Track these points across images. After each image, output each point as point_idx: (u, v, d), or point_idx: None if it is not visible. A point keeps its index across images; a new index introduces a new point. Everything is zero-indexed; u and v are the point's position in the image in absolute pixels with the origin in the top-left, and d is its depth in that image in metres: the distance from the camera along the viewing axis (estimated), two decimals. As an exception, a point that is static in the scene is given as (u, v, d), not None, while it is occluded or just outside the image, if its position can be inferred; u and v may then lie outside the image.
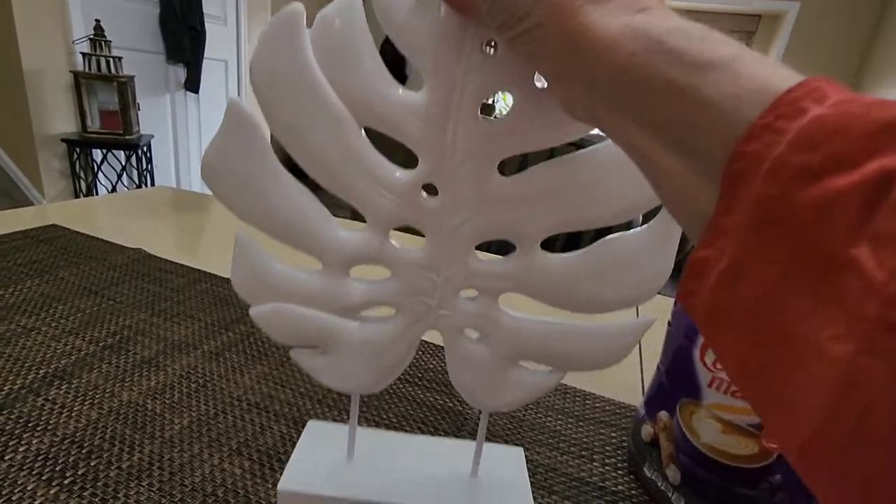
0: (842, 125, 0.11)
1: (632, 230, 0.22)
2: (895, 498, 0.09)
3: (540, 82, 0.20)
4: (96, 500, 0.26)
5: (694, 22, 0.14)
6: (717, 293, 0.13)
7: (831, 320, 0.10)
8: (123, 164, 2.10)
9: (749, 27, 3.79)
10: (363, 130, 0.22)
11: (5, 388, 0.33)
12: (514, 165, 0.21)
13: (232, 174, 0.21)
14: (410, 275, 0.23)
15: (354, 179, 0.21)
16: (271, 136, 0.22)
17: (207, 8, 2.40)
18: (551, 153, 0.22)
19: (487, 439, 0.28)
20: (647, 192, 0.21)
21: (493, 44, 0.19)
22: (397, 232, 0.26)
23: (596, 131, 0.19)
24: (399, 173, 0.22)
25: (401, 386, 0.39)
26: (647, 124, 0.14)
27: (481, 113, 0.21)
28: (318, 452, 0.28)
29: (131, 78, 1.97)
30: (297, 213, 0.22)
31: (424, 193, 0.22)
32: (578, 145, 0.22)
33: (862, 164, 0.10)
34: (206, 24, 2.38)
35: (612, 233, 0.23)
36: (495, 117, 0.21)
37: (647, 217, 0.23)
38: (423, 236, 0.24)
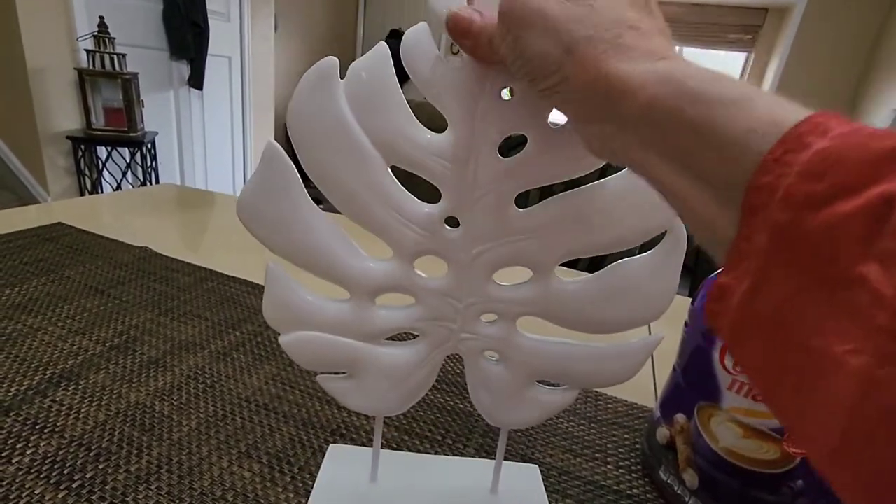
0: (844, 156, 0.12)
1: (637, 256, 0.24)
2: None
3: (553, 121, 0.21)
4: (105, 503, 0.26)
5: (706, 67, 0.15)
6: (741, 312, 0.14)
7: (846, 334, 0.11)
8: (128, 161, 2.10)
9: (755, 21, 3.75)
10: (389, 169, 0.23)
11: (12, 389, 0.33)
12: (523, 198, 0.22)
13: (267, 213, 0.22)
14: (433, 301, 0.24)
15: (382, 214, 0.23)
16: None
17: (211, 4, 2.39)
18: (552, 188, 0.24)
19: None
20: (653, 219, 0.22)
21: (509, 89, 0.21)
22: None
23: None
24: (423, 208, 0.23)
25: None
26: (672, 158, 0.15)
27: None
28: (342, 476, 0.28)
29: (135, 75, 1.96)
30: (327, 247, 0.23)
31: (447, 226, 0.23)
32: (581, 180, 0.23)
33: (865, 189, 0.11)
34: (209, 20, 2.37)
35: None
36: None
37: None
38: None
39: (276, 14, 2.97)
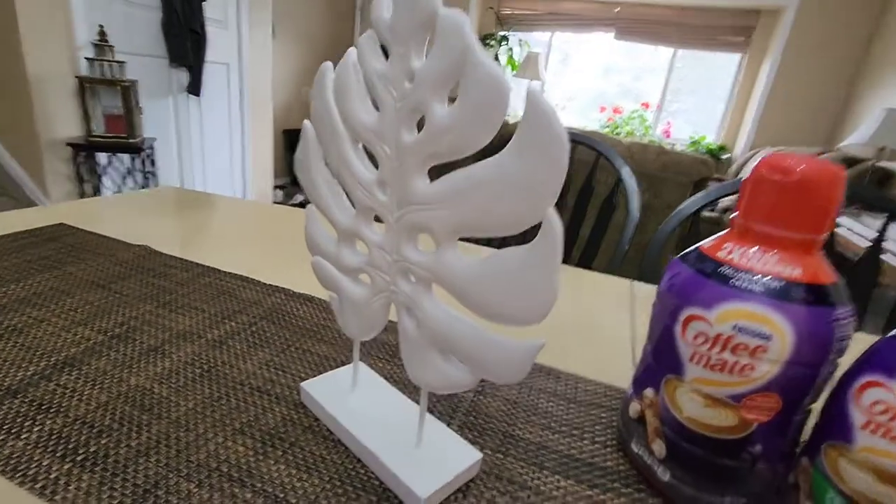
0: None
1: (518, 247, 0.23)
2: None
3: (443, 105, 0.23)
4: (107, 474, 0.27)
5: None
6: None
7: None
8: (128, 167, 2.13)
9: (749, 22, 3.79)
10: (358, 144, 0.29)
11: (19, 374, 0.35)
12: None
13: (303, 164, 0.32)
14: (375, 252, 0.29)
15: (346, 177, 0.30)
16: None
17: (209, 12, 2.42)
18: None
19: (482, 421, 0.33)
20: (522, 207, 0.21)
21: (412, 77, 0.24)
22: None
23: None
24: (368, 174, 0.28)
25: (403, 372, 0.40)
26: None
27: None
28: (341, 379, 0.37)
29: (134, 82, 1.99)
30: (324, 194, 0.32)
31: (380, 190, 0.28)
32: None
33: None
34: (207, 27, 2.40)
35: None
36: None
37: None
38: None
39: (274, 21, 3.00)
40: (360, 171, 0.29)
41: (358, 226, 0.30)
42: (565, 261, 1.07)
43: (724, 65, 4.10)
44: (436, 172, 0.26)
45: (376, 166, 0.28)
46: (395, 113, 0.25)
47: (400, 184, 0.26)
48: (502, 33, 4.61)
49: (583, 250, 1.08)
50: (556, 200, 0.21)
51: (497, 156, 0.22)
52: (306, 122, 0.31)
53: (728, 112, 4.15)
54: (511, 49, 4.61)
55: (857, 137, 2.76)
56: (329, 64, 0.29)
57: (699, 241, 0.32)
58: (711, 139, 4.28)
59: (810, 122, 3.58)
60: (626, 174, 1.02)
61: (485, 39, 4.66)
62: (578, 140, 1.08)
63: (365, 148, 0.29)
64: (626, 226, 0.99)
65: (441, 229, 0.25)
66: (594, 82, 4.84)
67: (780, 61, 3.49)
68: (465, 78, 0.22)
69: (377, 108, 0.26)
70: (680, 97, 4.48)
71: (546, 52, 4.76)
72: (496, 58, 4.62)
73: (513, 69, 4.64)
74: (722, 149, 4.13)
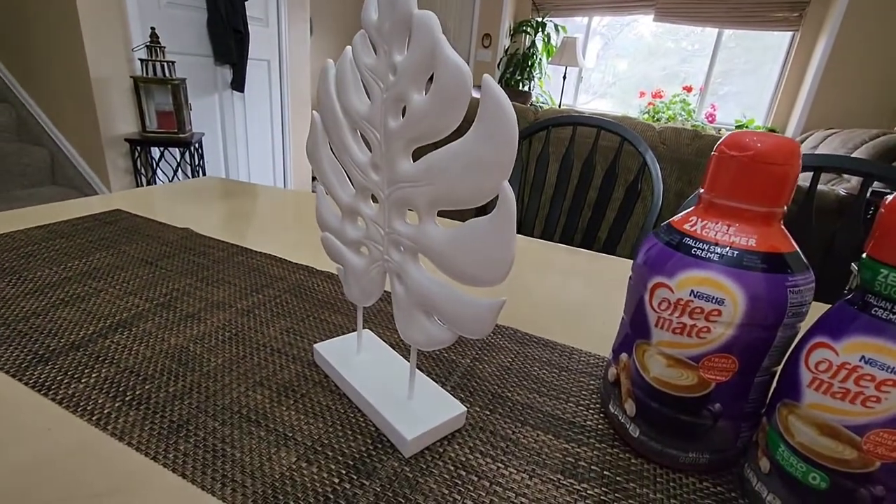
0: None
1: (479, 217, 0.26)
2: None
3: (420, 94, 0.26)
4: (149, 412, 0.33)
5: None
6: None
7: None
8: (178, 160, 2.27)
9: (803, -3, 3.55)
10: (356, 130, 0.32)
11: (81, 332, 0.41)
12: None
13: (310, 148, 0.36)
14: (371, 226, 0.33)
15: (345, 159, 0.33)
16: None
17: (251, 11, 2.53)
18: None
19: (475, 383, 0.37)
20: (481, 180, 0.25)
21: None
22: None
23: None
24: (363, 157, 0.32)
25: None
26: None
27: None
28: (349, 342, 0.41)
29: (183, 80, 2.12)
30: (329, 175, 0.36)
31: (373, 171, 0.31)
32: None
33: None
34: (249, 26, 2.51)
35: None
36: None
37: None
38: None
39: (312, 17, 3.08)
40: (357, 155, 0.32)
41: (357, 203, 0.34)
42: (590, 244, 1.08)
43: (778, 43, 3.88)
44: (420, 156, 0.29)
45: (371, 151, 0.31)
46: (382, 102, 0.29)
47: (388, 165, 0.30)
48: (539, 19, 4.54)
49: (608, 233, 1.09)
50: (509, 175, 0.24)
51: (462, 138, 0.25)
52: (314, 112, 0.35)
53: (779, 94, 3.94)
54: (549, 35, 4.54)
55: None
56: (331, 61, 0.33)
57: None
58: (760, 122, 4.07)
59: (869, 102, 3.34)
60: (650, 159, 1.01)
61: (521, 26, 4.60)
62: (602, 125, 1.08)
63: (361, 134, 0.32)
64: (650, 211, 0.99)
65: (422, 203, 0.29)
66: (638, 67, 4.69)
67: (837, 38, 3.27)
68: (436, 70, 0.25)
69: (370, 98, 0.30)
70: (731, 79, 4.27)
71: (584, 37, 4.65)
72: (533, 44, 4.55)
73: (549, 56, 4.57)
74: (772, 132, 3.93)
